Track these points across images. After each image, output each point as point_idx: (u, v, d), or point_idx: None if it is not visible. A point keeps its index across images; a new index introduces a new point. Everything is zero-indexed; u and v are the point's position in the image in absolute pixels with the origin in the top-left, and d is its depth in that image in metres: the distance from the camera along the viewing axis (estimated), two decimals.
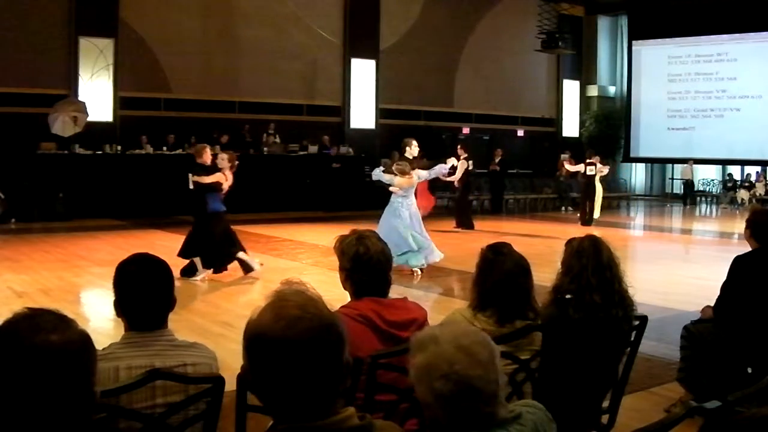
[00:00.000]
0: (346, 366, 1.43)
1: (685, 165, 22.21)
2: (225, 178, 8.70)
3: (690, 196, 21.95)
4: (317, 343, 1.37)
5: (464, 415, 1.64)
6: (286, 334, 1.35)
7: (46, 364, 1.35)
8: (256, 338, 1.38)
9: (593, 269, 3.20)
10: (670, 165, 24.72)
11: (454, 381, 1.59)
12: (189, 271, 8.51)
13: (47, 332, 1.38)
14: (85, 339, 1.44)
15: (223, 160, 8.85)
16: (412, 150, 9.97)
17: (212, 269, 8.72)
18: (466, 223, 14.50)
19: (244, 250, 8.86)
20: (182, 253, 8.52)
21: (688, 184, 22.08)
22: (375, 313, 2.67)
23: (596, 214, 15.85)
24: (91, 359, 1.44)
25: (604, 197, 21.10)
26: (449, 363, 1.59)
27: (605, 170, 16.17)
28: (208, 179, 8.56)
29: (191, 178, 8.66)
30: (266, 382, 1.38)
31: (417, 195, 13.17)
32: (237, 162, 9.08)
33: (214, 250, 8.66)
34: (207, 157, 8.73)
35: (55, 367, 1.35)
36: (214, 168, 8.72)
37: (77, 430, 1.41)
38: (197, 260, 8.59)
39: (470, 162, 14.77)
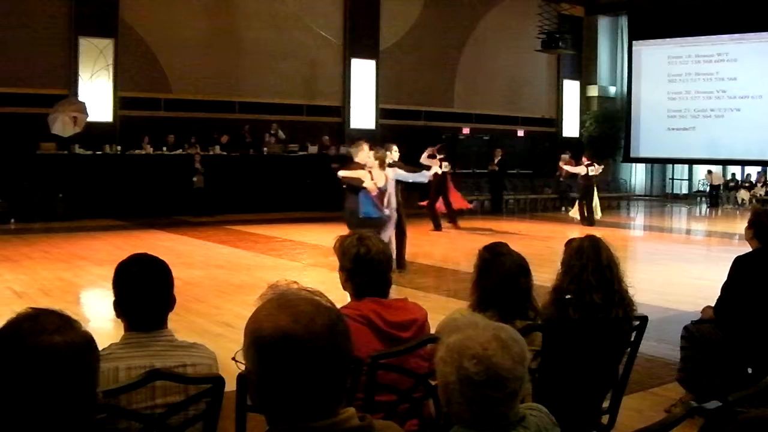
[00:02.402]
0: (350, 360, 1.42)
1: (712, 170, 22.21)
2: (371, 177, 7.90)
3: (716, 197, 21.75)
4: (336, 335, 1.36)
5: (480, 405, 1.65)
6: (311, 331, 1.33)
7: (49, 365, 1.34)
8: (279, 341, 1.32)
9: (593, 269, 3.20)
10: (670, 165, 24.73)
11: (485, 365, 1.62)
12: None
13: (51, 333, 1.38)
14: (88, 340, 1.43)
15: (369, 158, 8.11)
16: (392, 155, 9.02)
17: None
18: (437, 224, 14.31)
19: None
20: None
21: (714, 186, 21.97)
22: (375, 314, 2.67)
23: (598, 214, 15.90)
24: (94, 361, 1.43)
25: (602, 197, 21.30)
26: (483, 347, 1.64)
27: (600, 169, 16.21)
28: (347, 173, 7.85)
29: (341, 174, 8.03)
30: (283, 384, 1.33)
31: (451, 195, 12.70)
32: (386, 160, 8.38)
33: None
34: (364, 156, 7.99)
35: (58, 368, 1.35)
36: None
37: (79, 431, 1.40)
38: None
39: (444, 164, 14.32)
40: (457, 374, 1.64)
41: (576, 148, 20.69)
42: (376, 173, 8.03)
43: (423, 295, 7.77)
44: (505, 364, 1.63)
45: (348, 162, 8.14)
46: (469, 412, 1.66)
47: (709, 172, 22.44)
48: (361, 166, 8.02)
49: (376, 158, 8.14)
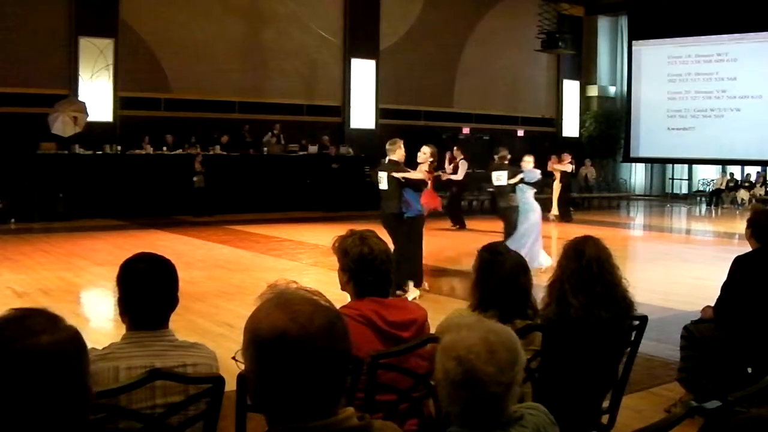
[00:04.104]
0: (349, 359, 1.42)
1: (718, 176, 22.71)
2: (428, 176, 8.00)
3: (718, 198, 21.90)
4: (334, 335, 1.36)
5: (460, 405, 1.66)
6: (309, 331, 1.33)
7: (38, 367, 1.31)
8: (276, 340, 1.33)
9: (592, 269, 3.20)
10: (670, 165, 24.73)
11: (464, 368, 1.64)
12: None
13: (37, 335, 1.34)
14: (75, 338, 1.39)
15: (425, 154, 8.02)
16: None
17: (420, 285, 7.76)
18: (460, 222, 14.68)
19: None
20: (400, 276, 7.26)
21: (721, 189, 22.15)
22: (375, 314, 2.67)
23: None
24: (83, 357, 1.40)
25: (602, 197, 21.57)
26: (468, 350, 1.65)
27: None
28: (415, 175, 7.71)
29: (391, 175, 7.65)
30: (281, 384, 1.34)
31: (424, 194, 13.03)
32: (436, 157, 8.31)
33: (418, 259, 7.70)
34: (402, 154, 7.86)
35: (48, 369, 1.32)
36: (408, 165, 7.90)
37: (74, 430, 1.39)
38: (410, 282, 7.62)
39: (466, 164, 15.00)
40: (443, 373, 1.68)
41: (576, 148, 20.70)
42: (424, 169, 8.03)
43: (423, 295, 7.77)
44: (487, 370, 1.63)
45: (390, 164, 7.86)
46: (454, 410, 1.69)
47: (724, 172, 22.46)
48: (399, 164, 7.85)
49: (431, 156, 8.12)
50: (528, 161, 10.01)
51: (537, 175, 9.94)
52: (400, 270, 7.34)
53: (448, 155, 15.25)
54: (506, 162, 9.77)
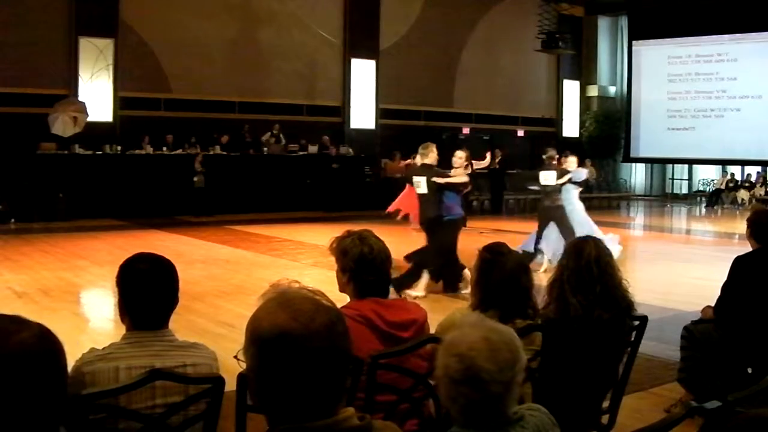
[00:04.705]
0: (350, 359, 1.43)
1: (718, 176, 22.81)
2: (467, 178, 8.23)
3: (718, 198, 21.90)
4: (335, 334, 1.37)
5: (460, 404, 1.66)
6: (310, 329, 1.33)
7: (29, 363, 1.29)
8: (277, 338, 1.33)
9: (592, 270, 3.20)
10: (670, 165, 24.74)
11: (465, 364, 1.64)
12: (401, 284, 7.44)
13: (17, 333, 1.31)
14: (44, 329, 1.37)
15: (461, 158, 8.29)
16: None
17: (437, 281, 7.89)
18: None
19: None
20: (413, 257, 7.68)
21: (721, 189, 22.19)
22: (375, 314, 2.66)
23: None
24: (59, 344, 1.38)
25: (602, 197, 21.46)
26: (469, 347, 1.66)
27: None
28: (458, 179, 7.91)
29: (430, 180, 7.74)
30: (282, 383, 1.34)
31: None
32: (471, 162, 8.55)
33: (449, 259, 7.85)
34: (435, 157, 7.96)
35: (38, 364, 1.30)
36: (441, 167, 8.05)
37: (60, 416, 1.37)
38: (426, 273, 7.76)
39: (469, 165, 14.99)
40: (443, 370, 1.68)
41: (576, 148, 20.67)
42: (461, 171, 8.21)
43: (423, 295, 7.76)
44: (488, 368, 1.63)
45: (424, 168, 7.98)
46: (454, 409, 1.69)
47: (724, 172, 22.44)
48: (434, 168, 7.98)
49: (467, 159, 8.37)
50: (572, 161, 10.06)
51: (583, 174, 10.06)
52: (438, 264, 7.78)
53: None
54: (554, 162, 9.84)
